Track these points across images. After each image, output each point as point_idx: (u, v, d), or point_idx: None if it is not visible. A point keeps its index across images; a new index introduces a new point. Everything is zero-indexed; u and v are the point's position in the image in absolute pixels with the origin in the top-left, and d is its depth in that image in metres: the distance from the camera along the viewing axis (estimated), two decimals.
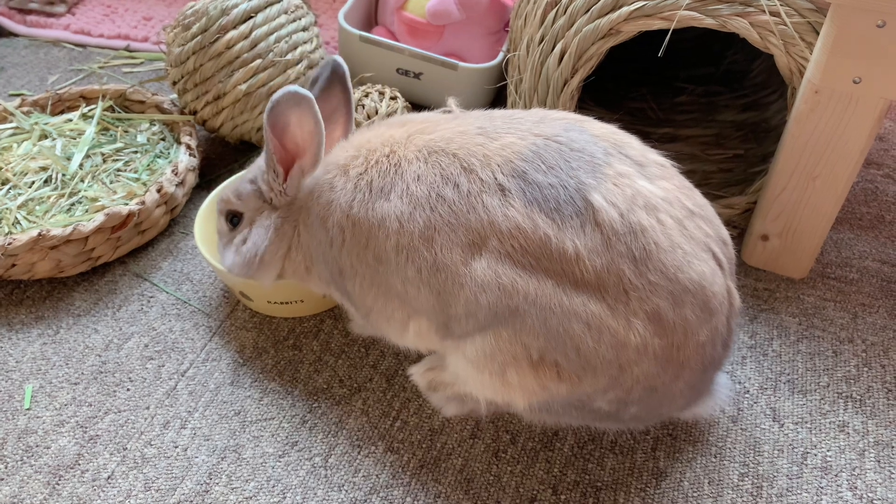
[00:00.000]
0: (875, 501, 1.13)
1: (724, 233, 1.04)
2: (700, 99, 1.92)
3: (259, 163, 1.21)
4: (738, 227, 1.54)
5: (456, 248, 0.99)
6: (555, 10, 1.42)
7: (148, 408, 1.28)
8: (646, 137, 1.10)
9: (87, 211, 1.52)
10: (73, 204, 1.53)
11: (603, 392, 1.00)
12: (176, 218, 1.65)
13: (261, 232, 1.18)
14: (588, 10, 1.37)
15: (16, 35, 2.35)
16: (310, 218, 1.13)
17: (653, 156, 1.04)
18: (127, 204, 1.49)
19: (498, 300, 0.96)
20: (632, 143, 1.04)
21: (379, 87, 1.75)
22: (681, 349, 0.96)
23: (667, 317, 0.94)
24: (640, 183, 0.97)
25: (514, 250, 0.95)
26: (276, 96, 1.03)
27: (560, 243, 0.94)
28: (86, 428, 1.26)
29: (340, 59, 1.17)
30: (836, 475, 1.16)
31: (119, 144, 1.67)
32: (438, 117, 1.12)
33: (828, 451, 1.19)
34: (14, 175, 1.57)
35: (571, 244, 0.93)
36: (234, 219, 1.23)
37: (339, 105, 1.19)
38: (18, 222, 1.48)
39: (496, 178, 0.98)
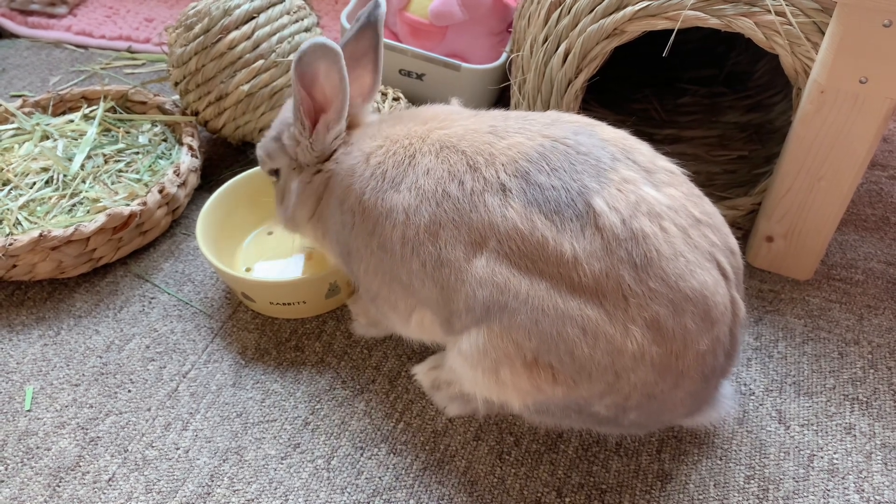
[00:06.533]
0: None
1: (732, 242, 1.03)
2: (704, 100, 1.91)
3: (283, 118, 1.21)
4: (743, 228, 1.53)
5: (459, 245, 0.99)
6: (559, 10, 1.42)
7: (149, 409, 1.27)
8: (649, 138, 1.09)
9: (88, 212, 1.51)
10: (74, 205, 1.53)
11: (600, 397, 1.00)
12: (178, 219, 1.64)
13: (292, 195, 1.21)
14: (592, 10, 1.36)
15: (17, 36, 2.36)
16: (331, 198, 1.15)
17: (662, 162, 1.03)
18: (128, 205, 1.48)
19: (491, 295, 0.97)
20: (641, 148, 1.03)
21: (381, 87, 1.75)
22: (680, 358, 0.95)
23: (666, 325, 0.93)
24: (645, 189, 0.96)
25: (512, 251, 0.96)
26: (303, 47, 1.03)
27: (558, 246, 0.93)
28: (87, 430, 1.25)
29: (382, 1, 1.15)
30: (842, 478, 1.15)
31: (121, 145, 1.67)
32: (460, 113, 1.13)
33: (834, 453, 1.18)
34: (15, 176, 1.56)
35: (570, 247, 0.93)
36: (274, 173, 1.25)
37: (369, 49, 1.17)
38: (20, 223, 1.48)
39: (499, 178, 0.98)
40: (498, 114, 1.11)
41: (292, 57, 1.49)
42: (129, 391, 1.31)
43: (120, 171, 1.62)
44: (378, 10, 1.15)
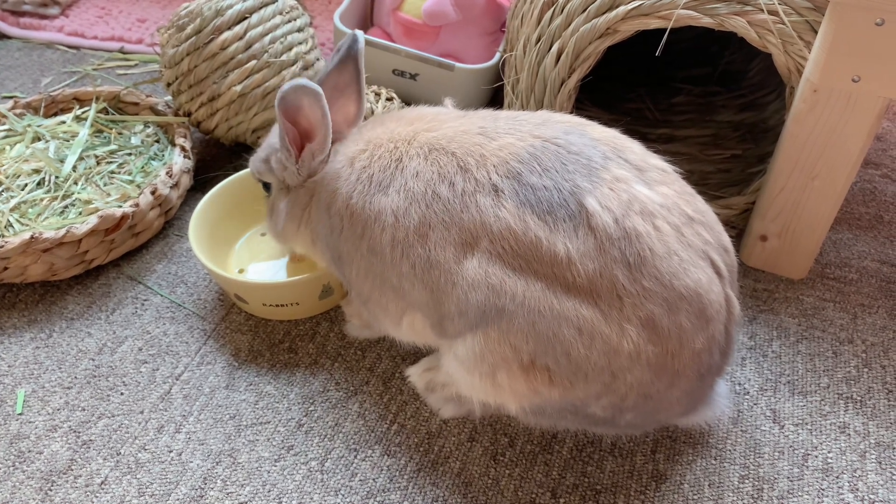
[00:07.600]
0: (877, 503, 1.12)
1: (726, 240, 1.03)
2: (697, 99, 1.91)
3: (271, 142, 1.23)
4: (737, 227, 1.53)
5: (449, 247, 0.98)
6: (552, 10, 1.41)
7: (142, 412, 1.27)
8: (643, 138, 1.09)
9: (80, 213, 1.50)
10: (66, 206, 1.52)
11: (596, 398, 0.99)
12: (170, 220, 1.64)
13: (280, 213, 1.23)
14: (585, 10, 1.36)
15: (9, 37, 2.34)
16: (319, 203, 1.15)
17: (654, 161, 1.02)
18: (121, 206, 1.48)
19: (486, 299, 0.96)
20: (633, 147, 1.03)
21: (375, 88, 1.75)
22: (675, 357, 0.95)
23: (661, 324, 0.92)
24: (637, 188, 0.96)
25: (505, 251, 0.95)
26: (285, 87, 1.04)
27: (551, 246, 0.93)
28: (79, 433, 1.24)
29: (360, 34, 1.16)
30: (837, 477, 1.15)
31: (113, 146, 1.66)
32: (448, 114, 1.13)
33: (829, 452, 1.18)
34: (7, 177, 1.55)
35: (563, 247, 0.92)
36: (266, 185, 1.27)
37: (351, 80, 1.18)
38: (11, 225, 1.47)
39: (490, 179, 0.98)
40: (487, 114, 1.10)
41: (284, 65, 1.49)
42: (122, 394, 1.30)
43: (112, 172, 1.61)
44: (357, 44, 1.16)
